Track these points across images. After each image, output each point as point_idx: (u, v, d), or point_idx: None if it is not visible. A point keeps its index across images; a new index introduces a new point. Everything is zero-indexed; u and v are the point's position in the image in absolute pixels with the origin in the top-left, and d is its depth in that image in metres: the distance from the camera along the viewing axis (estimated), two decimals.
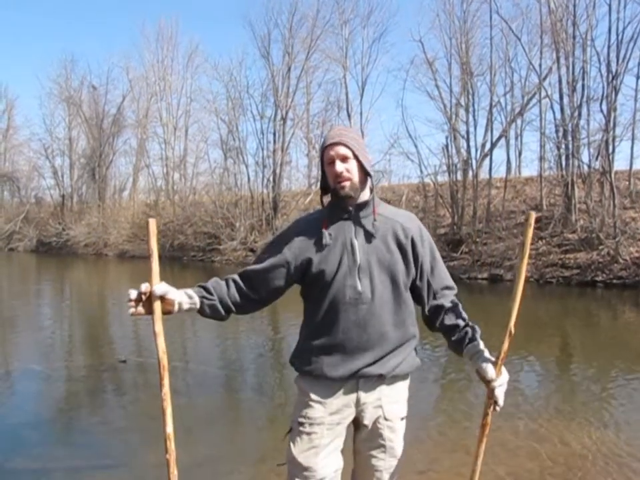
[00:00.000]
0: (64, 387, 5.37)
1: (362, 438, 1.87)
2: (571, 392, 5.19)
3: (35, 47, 66.62)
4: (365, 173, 1.82)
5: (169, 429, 1.69)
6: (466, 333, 1.81)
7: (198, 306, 1.79)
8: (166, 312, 1.73)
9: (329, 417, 1.81)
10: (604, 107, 14.99)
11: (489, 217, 17.36)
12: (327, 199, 1.90)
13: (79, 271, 21.86)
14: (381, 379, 1.82)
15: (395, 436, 1.87)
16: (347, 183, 1.78)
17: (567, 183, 16.02)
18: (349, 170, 1.78)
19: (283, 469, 1.88)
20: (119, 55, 48.03)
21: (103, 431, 4.12)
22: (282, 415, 4.24)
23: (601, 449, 3.67)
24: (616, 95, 14.96)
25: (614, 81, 14.87)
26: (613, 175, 14.49)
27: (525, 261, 1.65)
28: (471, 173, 18.57)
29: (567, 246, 14.94)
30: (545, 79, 17.45)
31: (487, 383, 1.72)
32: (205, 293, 1.81)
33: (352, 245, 1.80)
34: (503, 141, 19.54)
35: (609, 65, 15.03)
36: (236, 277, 1.88)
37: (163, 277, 1.71)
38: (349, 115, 23.36)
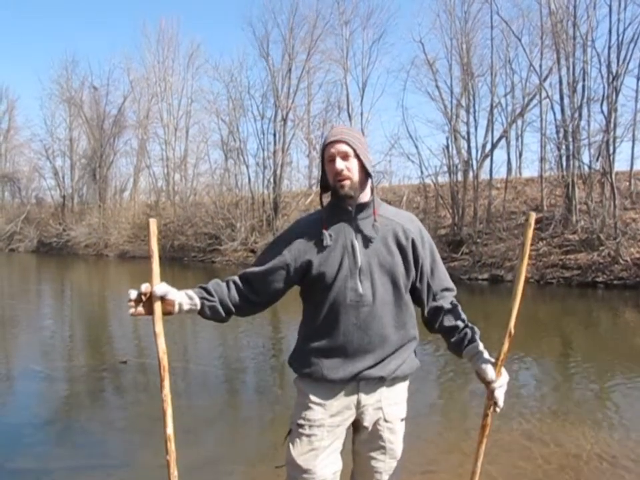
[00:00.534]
0: (64, 388, 5.37)
1: (362, 440, 1.87)
2: (570, 393, 5.19)
3: (35, 48, 66.76)
4: (365, 173, 1.80)
5: (169, 430, 1.68)
6: (465, 334, 1.80)
7: (198, 307, 1.78)
8: (166, 313, 1.72)
9: (329, 419, 1.80)
10: (604, 108, 15.01)
11: (489, 218, 17.35)
12: (326, 198, 1.88)
13: (79, 272, 21.87)
14: (382, 381, 1.82)
15: (395, 437, 1.86)
16: (347, 182, 1.76)
17: (567, 183, 16.02)
18: (349, 168, 1.76)
19: (283, 470, 1.87)
20: (119, 55, 48.03)
21: (103, 431, 4.12)
22: (282, 415, 4.22)
23: (595, 448, 3.67)
24: (616, 95, 14.97)
25: (614, 82, 14.87)
26: (613, 176, 14.49)
27: (525, 261, 1.65)
28: (471, 174, 18.57)
29: (568, 247, 14.93)
30: (545, 79, 17.47)
31: (487, 384, 1.71)
32: (205, 294, 1.79)
33: (352, 247, 1.79)
34: (503, 141, 19.58)
35: (609, 65, 15.04)
36: (236, 278, 1.87)
37: (163, 278, 1.71)
38: (349, 116, 23.37)
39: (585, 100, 15.83)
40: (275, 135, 24.26)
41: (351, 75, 23.70)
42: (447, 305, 1.86)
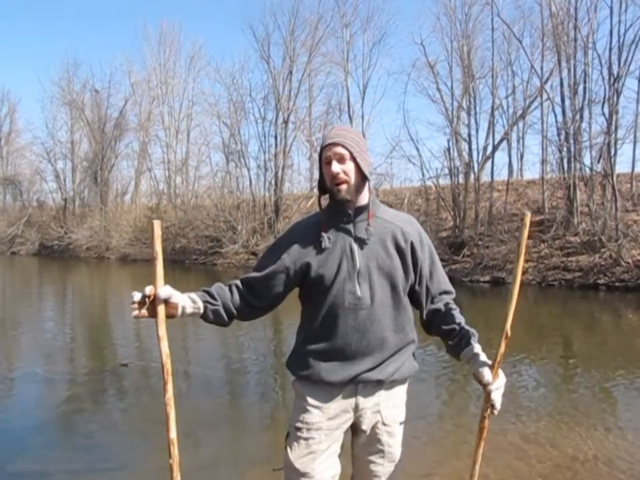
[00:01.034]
0: (65, 390, 5.36)
1: (360, 443, 1.86)
2: (570, 395, 5.17)
3: (37, 51, 66.98)
4: (362, 176, 1.80)
5: (173, 433, 1.67)
6: (462, 336, 1.79)
7: (201, 311, 1.77)
8: (169, 315, 1.72)
9: (327, 422, 1.79)
10: (606, 110, 14.99)
11: (490, 220, 17.34)
12: (325, 200, 1.89)
13: (80, 275, 21.88)
14: (380, 384, 1.82)
15: (394, 441, 1.86)
16: (344, 186, 1.76)
17: (568, 185, 16.01)
18: (345, 171, 1.76)
19: (281, 473, 1.86)
20: (121, 58, 47.95)
21: (104, 434, 4.12)
22: (284, 418, 4.21)
23: (593, 450, 3.66)
24: (618, 97, 14.96)
25: (615, 84, 14.86)
26: (614, 178, 14.47)
27: (521, 262, 1.64)
28: (472, 176, 18.56)
29: (569, 249, 14.91)
30: (546, 81, 17.48)
31: (484, 386, 1.71)
32: (208, 298, 1.79)
33: (351, 250, 1.79)
34: (504, 143, 19.54)
35: (610, 67, 15.03)
36: (238, 283, 1.87)
37: (165, 280, 1.71)
38: (350, 118, 23.39)
39: (586, 102, 15.83)
40: (276, 138, 24.31)
41: (352, 77, 23.76)
42: (446, 308, 1.86)
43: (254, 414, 4.70)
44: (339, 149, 1.76)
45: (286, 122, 23.89)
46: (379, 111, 44.46)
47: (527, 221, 1.64)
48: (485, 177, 18.91)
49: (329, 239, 1.80)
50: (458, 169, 18.98)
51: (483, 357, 1.73)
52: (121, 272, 22.38)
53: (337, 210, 1.82)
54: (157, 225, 1.68)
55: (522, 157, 22.20)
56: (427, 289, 1.87)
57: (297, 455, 1.78)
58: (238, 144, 25.68)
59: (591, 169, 15.56)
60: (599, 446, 3.77)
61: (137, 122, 31.43)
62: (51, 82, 36.54)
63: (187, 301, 1.74)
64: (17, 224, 34.82)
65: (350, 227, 1.81)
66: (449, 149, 19.20)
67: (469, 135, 18.83)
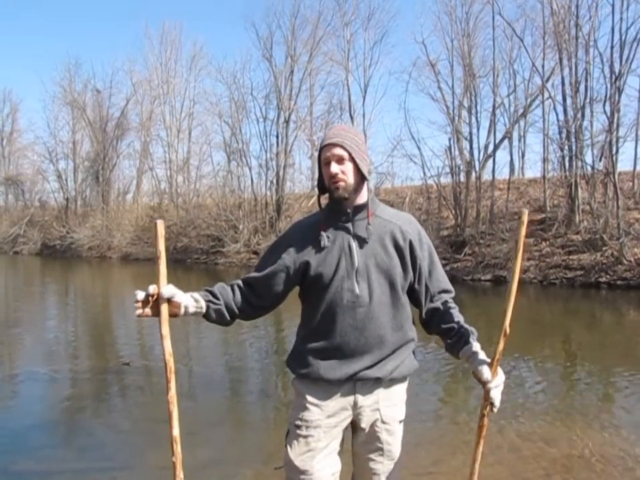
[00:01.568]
0: (68, 389, 5.38)
1: (360, 441, 1.87)
2: (572, 393, 5.18)
3: (38, 51, 67.05)
4: (361, 176, 1.81)
5: (176, 431, 1.67)
6: (461, 335, 1.80)
7: (204, 310, 1.78)
8: (172, 314, 1.72)
9: (325, 420, 1.80)
10: (607, 108, 14.96)
11: (492, 219, 17.33)
12: (325, 200, 1.90)
13: (82, 274, 21.92)
14: (379, 382, 1.82)
15: (393, 439, 1.86)
16: (341, 184, 1.77)
17: (570, 184, 15.99)
18: (344, 172, 1.77)
19: (283, 471, 1.87)
20: (122, 58, 48.10)
21: (106, 433, 4.14)
22: (285, 416, 4.23)
23: (593, 449, 3.67)
24: (619, 95, 14.93)
25: (617, 82, 14.83)
26: (616, 176, 14.45)
27: (519, 260, 1.64)
28: (474, 175, 18.54)
29: (571, 247, 14.90)
30: (547, 80, 17.44)
31: (483, 384, 1.71)
32: (211, 297, 1.80)
33: (350, 248, 1.80)
34: (506, 142, 19.51)
35: (612, 65, 15.00)
36: (240, 282, 1.88)
37: (168, 280, 1.71)
38: (351, 117, 23.38)
39: (587, 100, 15.81)
40: (277, 137, 24.32)
41: (353, 76, 23.76)
42: (444, 307, 1.87)
43: (256, 412, 4.71)
44: (338, 150, 1.77)
45: (287, 121, 23.90)
46: (380, 109, 44.34)
47: (525, 218, 1.64)
48: (487, 176, 18.90)
49: (328, 237, 1.81)
50: (459, 168, 18.97)
51: (482, 355, 1.73)
52: (122, 271, 22.41)
53: (335, 209, 1.84)
54: (160, 224, 1.68)
55: (523, 155, 22.25)
56: (426, 287, 1.88)
57: (296, 453, 1.79)
58: (239, 143, 25.70)
59: (593, 167, 15.54)
60: (594, 443, 3.77)
61: (138, 121, 31.48)
62: (53, 82, 36.58)
63: (190, 300, 1.75)
64: (19, 224, 34.87)
65: (349, 225, 1.82)
66: (450, 148, 19.20)
67: (470, 134, 18.83)
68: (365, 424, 1.83)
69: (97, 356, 6.90)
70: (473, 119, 18.89)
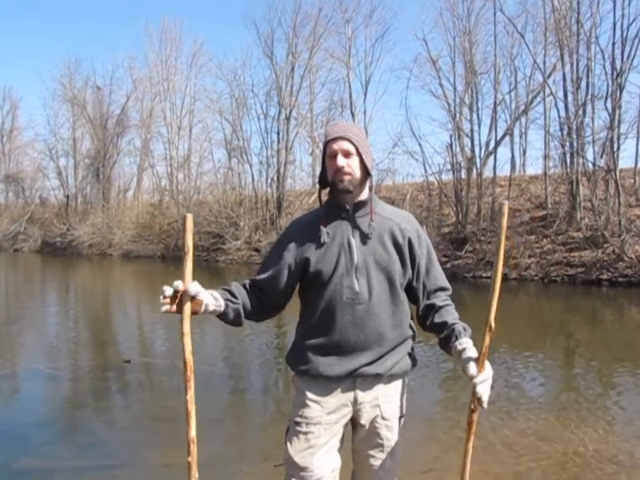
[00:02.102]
0: (68, 387, 5.39)
1: (360, 437, 1.86)
2: (569, 390, 5.17)
3: (39, 48, 67.00)
4: (365, 172, 1.81)
5: (193, 432, 1.63)
6: (453, 330, 1.79)
7: (222, 309, 1.76)
8: (193, 312, 1.69)
9: (325, 417, 1.80)
10: (609, 105, 14.94)
11: (493, 216, 17.31)
12: (325, 196, 1.90)
13: (83, 271, 21.92)
14: (378, 378, 1.82)
15: (393, 435, 1.86)
16: (347, 177, 1.77)
17: (571, 181, 15.98)
18: (350, 165, 1.77)
19: (283, 469, 1.87)
20: (122, 55, 47.98)
21: (107, 431, 4.13)
22: (285, 413, 4.22)
23: (594, 446, 3.66)
24: (621, 92, 14.90)
25: (619, 79, 14.79)
26: (617, 173, 14.43)
27: (502, 252, 1.61)
28: (475, 172, 18.53)
29: (572, 244, 14.89)
30: (549, 76, 17.41)
31: (470, 379, 1.70)
32: (229, 296, 1.79)
33: (349, 245, 1.80)
34: (507, 139, 19.52)
35: (613, 62, 14.97)
36: (250, 283, 1.88)
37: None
38: (352, 114, 23.36)
39: (589, 97, 15.77)
40: (278, 134, 24.32)
41: (354, 73, 23.76)
42: (439, 303, 1.87)
43: (256, 409, 4.71)
44: (346, 144, 1.77)
45: (288, 118, 23.88)
46: (381, 106, 44.21)
47: (505, 210, 1.63)
48: (488, 173, 18.89)
49: (327, 233, 1.81)
50: (460, 165, 18.95)
51: (470, 351, 1.71)
52: (123, 269, 22.42)
53: (335, 205, 1.84)
54: (189, 218, 1.62)
55: (524, 152, 22.26)
56: (424, 285, 1.88)
57: (296, 450, 1.78)
58: (240, 140, 25.71)
59: (594, 164, 15.52)
60: (590, 440, 3.76)
61: (138, 118, 31.48)
62: (53, 79, 36.53)
63: (210, 298, 1.72)
64: (19, 221, 34.90)
65: (349, 222, 1.82)
66: (451, 145, 19.18)
67: (472, 131, 18.82)
68: (365, 420, 1.83)
69: (97, 353, 6.90)
70: (474, 115, 18.91)
